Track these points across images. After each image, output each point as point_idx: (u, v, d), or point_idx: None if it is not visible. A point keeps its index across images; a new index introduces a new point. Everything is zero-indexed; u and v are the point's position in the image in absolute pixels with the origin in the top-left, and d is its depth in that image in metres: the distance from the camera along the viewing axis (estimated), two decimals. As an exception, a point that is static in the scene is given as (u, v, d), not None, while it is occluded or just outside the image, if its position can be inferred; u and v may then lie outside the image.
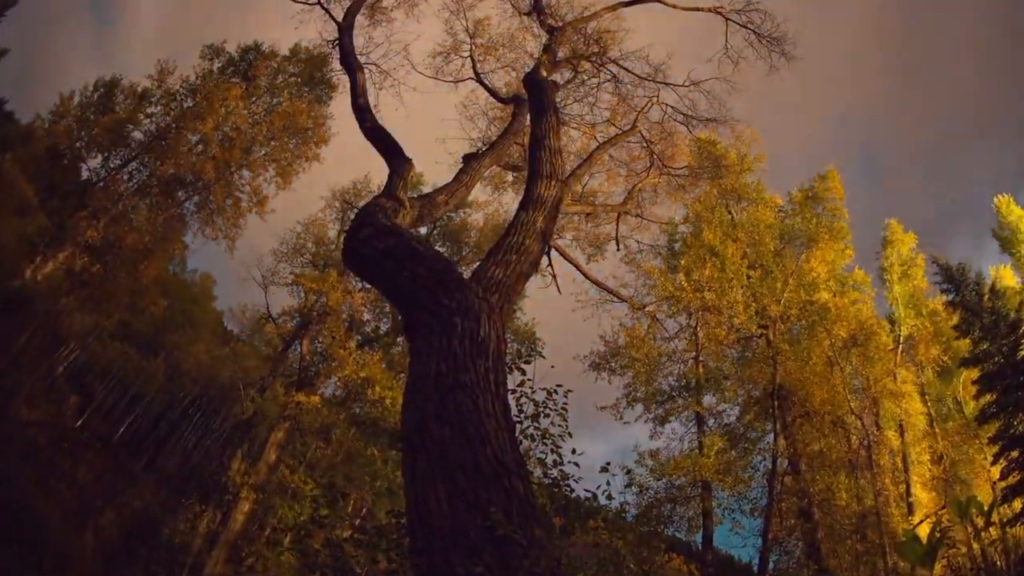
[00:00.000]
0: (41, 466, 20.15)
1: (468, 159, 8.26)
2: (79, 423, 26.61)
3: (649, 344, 19.84)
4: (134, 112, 22.94)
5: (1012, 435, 16.93)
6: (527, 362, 7.58)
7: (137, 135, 22.85)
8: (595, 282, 14.43)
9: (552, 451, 7.05)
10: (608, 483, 7.63)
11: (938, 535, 2.09)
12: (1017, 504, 16.69)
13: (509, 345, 6.12)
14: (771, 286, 20.16)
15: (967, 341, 19.38)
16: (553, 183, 6.74)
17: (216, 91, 22.88)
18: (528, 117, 9.15)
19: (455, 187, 7.42)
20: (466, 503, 3.20)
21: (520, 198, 6.90)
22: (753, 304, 20.24)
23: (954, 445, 22.45)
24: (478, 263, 5.75)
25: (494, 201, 23.27)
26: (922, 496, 20.16)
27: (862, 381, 20.41)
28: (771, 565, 17.09)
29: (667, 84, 12.37)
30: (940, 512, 18.16)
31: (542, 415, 7.21)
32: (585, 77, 12.88)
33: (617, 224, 13.86)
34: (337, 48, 10.31)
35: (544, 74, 9.66)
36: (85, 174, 22.94)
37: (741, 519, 17.85)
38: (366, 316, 24.37)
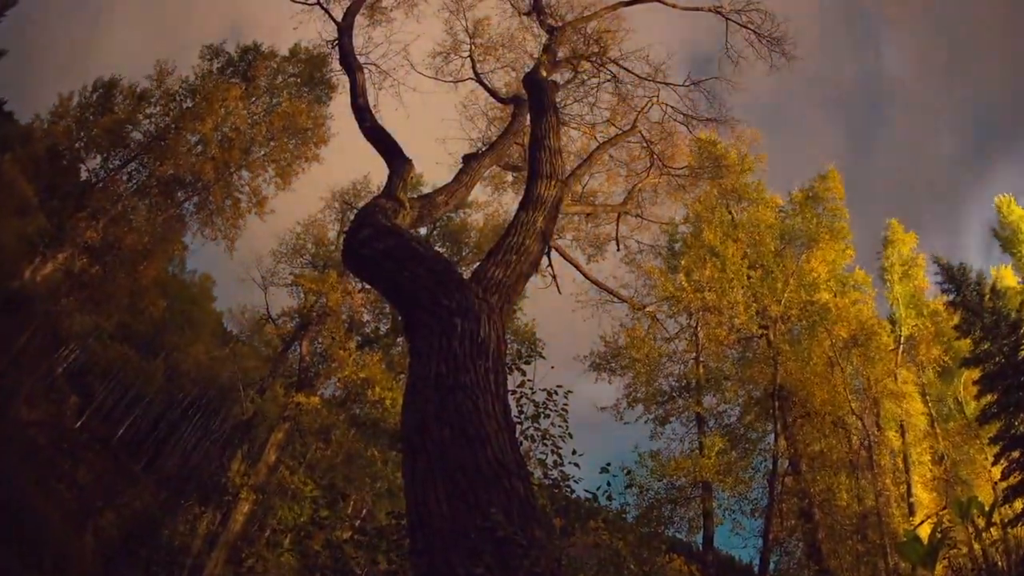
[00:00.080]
0: (41, 466, 20.13)
1: (468, 159, 8.23)
2: (79, 424, 26.58)
3: (649, 344, 19.81)
4: (133, 113, 22.93)
5: (1013, 435, 16.92)
6: (527, 363, 7.57)
7: (136, 136, 22.84)
8: (595, 282, 14.42)
9: (552, 452, 7.04)
10: (608, 484, 7.63)
11: (939, 536, 2.09)
12: (1018, 504, 16.68)
13: (509, 346, 6.10)
14: (772, 286, 20.15)
15: (968, 341, 19.38)
16: (553, 183, 6.72)
17: (215, 91, 22.86)
18: (528, 117, 9.12)
19: (455, 187, 7.41)
20: (466, 504, 3.19)
21: (520, 198, 6.89)
22: (754, 304, 20.23)
23: (955, 445, 22.43)
24: (478, 263, 5.73)
25: (494, 201, 23.30)
26: (923, 496, 20.15)
27: (863, 381, 20.40)
28: (772, 566, 17.07)
29: (667, 84, 12.37)
30: (941, 513, 18.14)
31: (542, 416, 7.20)
32: (585, 77, 12.87)
33: (617, 224, 13.84)
34: (336, 48, 10.29)
35: (544, 74, 9.64)
36: (84, 175, 22.95)
37: (742, 520, 17.85)
38: (366, 317, 24.37)
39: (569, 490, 7.10)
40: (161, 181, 22.61)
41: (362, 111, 8.33)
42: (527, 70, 10.57)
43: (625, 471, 17.55)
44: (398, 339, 23.06)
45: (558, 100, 10.94)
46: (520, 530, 3.09)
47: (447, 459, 3.40)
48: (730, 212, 21.82)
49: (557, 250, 12.15)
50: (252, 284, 24.73)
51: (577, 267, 12.88)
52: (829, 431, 18.62)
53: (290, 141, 24.95)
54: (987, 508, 2.19)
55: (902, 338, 22.76)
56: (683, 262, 21.06)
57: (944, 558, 15.81)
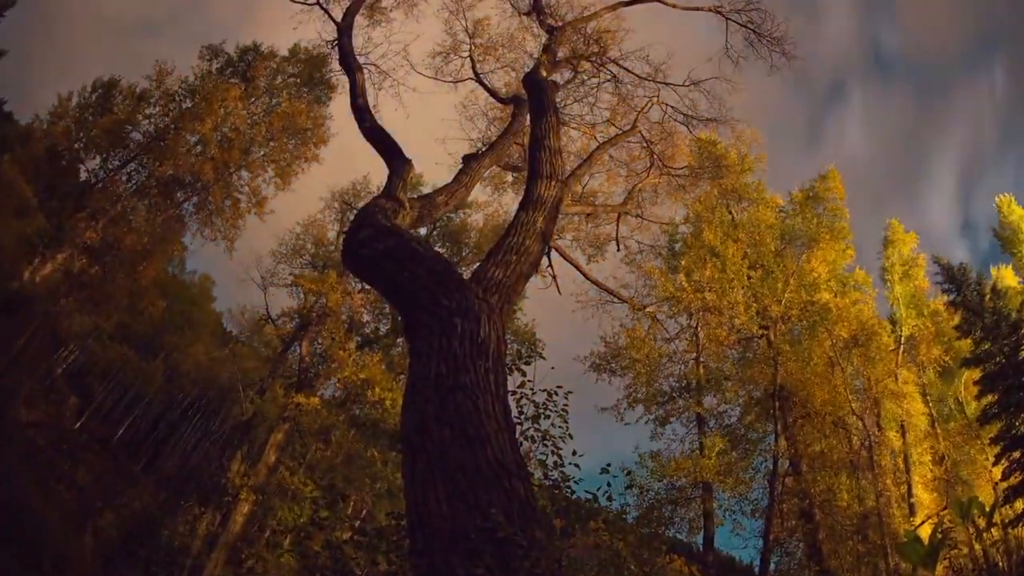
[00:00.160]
0: (41, 467, 20.14)
1: (468, 159, 8.22)
2: (78, 424, 26.59)
3: (650, 345, 19.79)
4: (132, 113, 22.93)
5: (1014, 436, 16.90)
6: (527, 363, 7.55)
7: (136, 136, 22.85)
8: (595, 283, 14.39)
9: (553, 452, 7.02)
10: (609, 484, 7.61)
11: (940, 536, 2.08)
12: (1019, 505, 16.66)
13: (509, 346, 6.09)
14: (772, 286, 20.13)
15: (968, 341, 19.37)
16: (553, 183, 6.71)
17: (215, 92, 22.85)
18: (528, 117, 9.11)
19: (455, 188, 7.40)
20: (466, 504, 3.18)
21: (520, 198, 6.87)
22: (754, 304, 20.21)
23: (955, 446, 22.41)
24: (478, 264, 5.73)
25: (494, 201, 23.21)
26: (924, 497, 20.14)
27: (863, 382, 20.38)
28: (772, 566, 17.06)
29: (667, 84, 12.34)
30: (942, 513, 18.13)
31: (542, 416, 7.18)
32: (585, 77, 12.85)
33: (617, 224, 13.82)
34: (336, 48, 10.28)
35: (544, 74, 9.62)
36: (84, 175, 22.96)
37: (742, 520, 17.83)
38: (366, 317, 24.36)
39: (569, 491, 7.08)
40: (160, 181, 22.60)
41: (362, 111, 8.32)
42: (527, 70, 10.56)
43: (625, 472, 17.53)
44: (398, 339, 23.04)
45: (558, 100, 10.92)
46: (520, 531, 3.08)
47: (447, 459, 3.39)
48: (730, 212, 21.80)
49: (557, 250, 12.12)
50: (252, 284, 24.80)
51: (577, 267, 12.85)
52: (830, 431, 18.59)
53: (290, 141, 24.95)
54: (988, 508, 2.18)
55: (903, 338, 22.75)
56: (683, 262, 21.03)
57: (945, 559, 15.79)
